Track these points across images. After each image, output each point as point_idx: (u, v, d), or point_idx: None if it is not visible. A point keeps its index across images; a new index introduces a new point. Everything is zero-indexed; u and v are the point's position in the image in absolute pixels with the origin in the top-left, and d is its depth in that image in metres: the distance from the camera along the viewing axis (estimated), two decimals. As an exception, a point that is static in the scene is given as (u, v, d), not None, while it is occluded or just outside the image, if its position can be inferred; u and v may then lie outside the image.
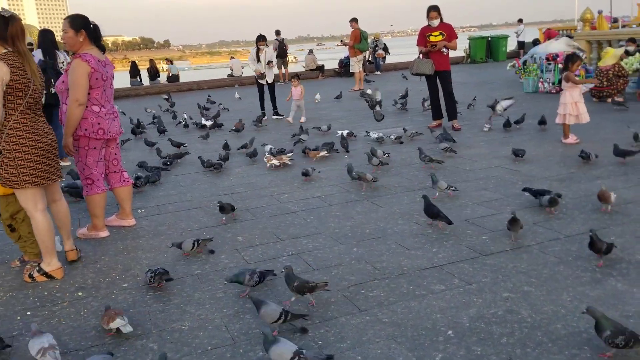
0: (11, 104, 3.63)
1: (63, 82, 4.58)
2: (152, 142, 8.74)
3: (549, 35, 21.39)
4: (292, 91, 10.66)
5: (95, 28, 4.60)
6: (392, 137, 8.15)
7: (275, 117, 11.41)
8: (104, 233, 4.82)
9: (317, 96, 13.45)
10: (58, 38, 7.78)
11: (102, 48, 4.70)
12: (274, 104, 11.50)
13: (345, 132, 8.50)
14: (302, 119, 10.45)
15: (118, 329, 3.09)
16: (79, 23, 4.49)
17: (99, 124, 4.59)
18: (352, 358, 2.77)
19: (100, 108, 4.61)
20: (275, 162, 6.85)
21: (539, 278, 3.47)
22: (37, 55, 7.38)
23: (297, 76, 11.06)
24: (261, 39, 11.25)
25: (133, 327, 3.12)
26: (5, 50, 3.62)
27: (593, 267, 3.57)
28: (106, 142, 4.77)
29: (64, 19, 4.53)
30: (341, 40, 15.54)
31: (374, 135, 8.17)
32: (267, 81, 11.35)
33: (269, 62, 11.18)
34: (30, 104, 3.72)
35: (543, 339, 2.81)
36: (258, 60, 11.19)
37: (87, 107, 4.52)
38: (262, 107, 11.58)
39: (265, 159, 6.99)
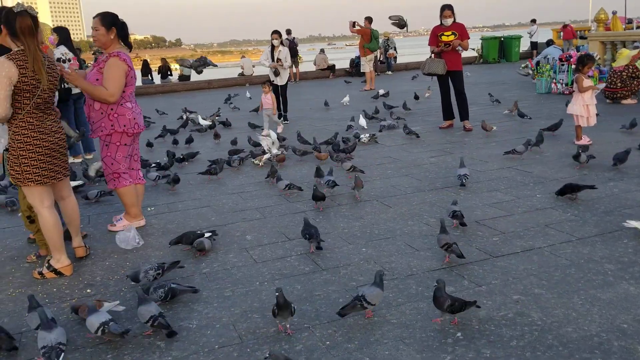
0: (18, 103, 3.64)
1: (97, 80, 4.56)
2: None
3: (568, 33, 20.99)
4: (262, 100, 9.52)
5: (124, 26, 4.64)
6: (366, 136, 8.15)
7: (282, 121, 10.64)
8: (143, 221, 4.97)
9: (346, 98, 12.33)
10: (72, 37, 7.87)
11: (130, 46, 4.74)
12: (284, 107, 11.08)
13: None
14: (279, 128, 9.55)
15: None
16: (110, 21, 4.53)
17: (134, 119, 4.72)
18: (360, 359, 2.75)
19: (132, 104, 4.73)
20: (257, 162, 6.99)
21: (550, 281, 3.43)
22: (63, 50, 7.41)
23: (268, 82, 9.86)
24: (275, 32, 10.79)
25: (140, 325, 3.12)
26: (17, 49, 3.63)
27: (605, 270, 3.52)
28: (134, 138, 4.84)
29: (94, 17, 4.56)
30: (354, 22, 15.14)
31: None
32: (279, 82, 10.85)
33: (278, 60, 10.59)
34: (38, 104, 3.72)
35: (554, 342, 2.77)
36: (273, 59, 10.74)
37: (122, 104, 4.62)
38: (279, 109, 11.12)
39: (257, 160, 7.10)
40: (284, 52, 10.76)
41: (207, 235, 4.28)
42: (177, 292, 3.42)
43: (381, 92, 13.32)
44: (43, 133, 3.77)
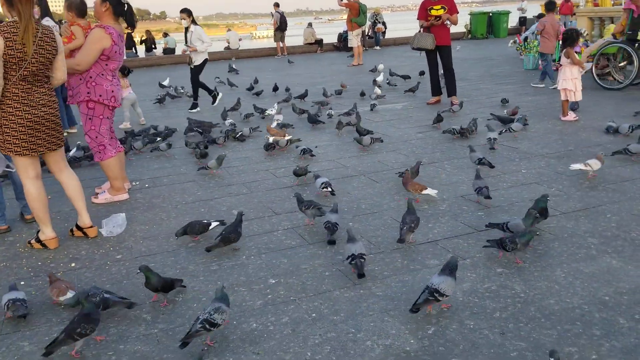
0: (5, 74, 3.61)
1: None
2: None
3: (566, 8, 20.57)
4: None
5: (121, 4, 4.74)
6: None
7: (191, 110, 9.42)
8: (126, 195, 5.01)
9: (377, 90, 9.85)
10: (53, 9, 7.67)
11: (133, 26, 4.88)
12: (194, 93, 9.65)
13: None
14: (126, 124, 8.24)
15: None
16: None
17: (112, 91, 4.76)
18: (346, 330, 2.77)
19: (113, 78, 4.80)
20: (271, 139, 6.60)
21: (534, 254, 3.47)
22: (52, 23, 7.25)
23: (123, 69, 8.07)
24: (182, 11, 9.31)
25: (127, 297, 3.11)
26: (11, 19, 3.61)
27: (588, 244, 3.57)
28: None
29: None
30: None
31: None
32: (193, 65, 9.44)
33: (189, 44, 9.22)
34: (25, 76, 3.66)
35: (536, 314, 2.82)
36: (187, 42, 9.31)
37: (101, 74, 4.67)
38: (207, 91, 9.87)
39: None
40: (195, 34, 9.25)
41: (214, 224, 4.00)
42: (109, 303, 3.00)
43: (380, 67, 12.87)
44: (28, 105, 3.71)
